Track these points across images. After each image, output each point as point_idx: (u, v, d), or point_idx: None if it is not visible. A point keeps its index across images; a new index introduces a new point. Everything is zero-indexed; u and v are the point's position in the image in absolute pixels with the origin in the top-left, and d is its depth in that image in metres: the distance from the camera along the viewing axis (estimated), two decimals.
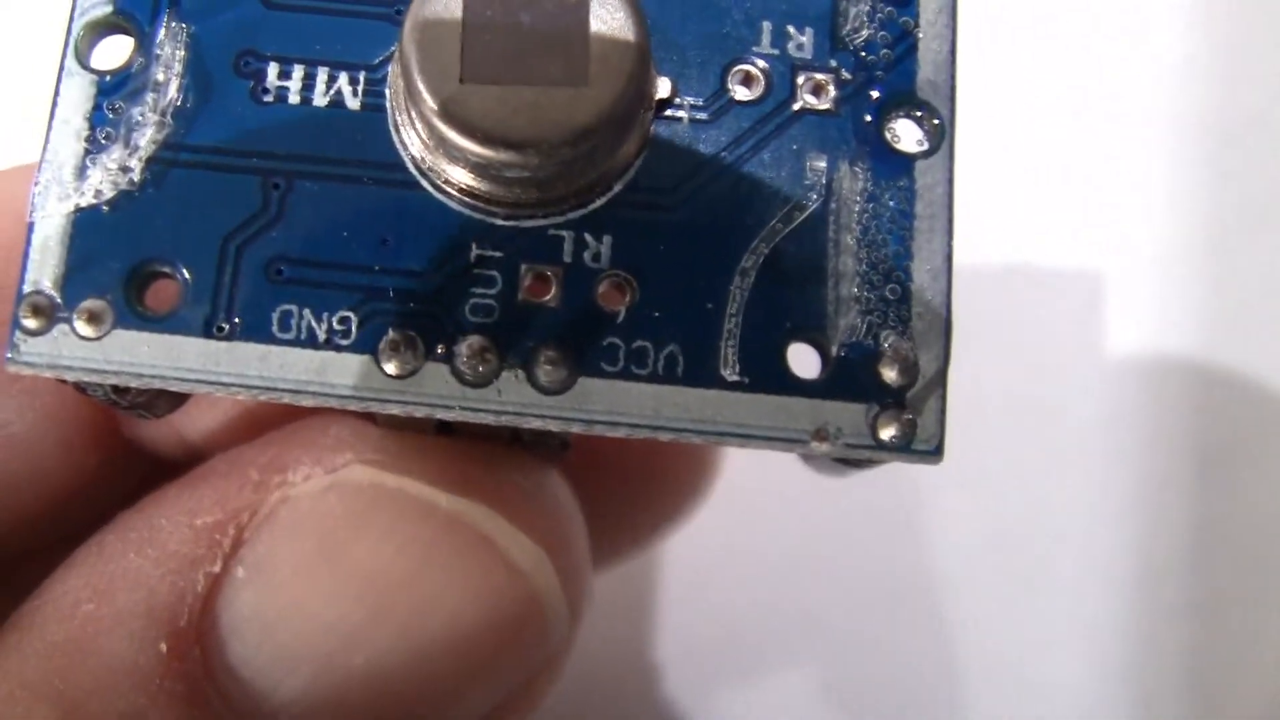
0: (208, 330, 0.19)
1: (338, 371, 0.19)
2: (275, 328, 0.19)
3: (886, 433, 0.19)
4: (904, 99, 0.20)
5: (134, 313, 0.19)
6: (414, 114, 0.19)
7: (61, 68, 0.20)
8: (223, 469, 0.22)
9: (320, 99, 0.20)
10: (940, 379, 0.19)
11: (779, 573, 0.40)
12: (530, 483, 0.24)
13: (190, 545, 0.21)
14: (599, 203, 0.19)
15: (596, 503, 0.26)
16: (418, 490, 0.22)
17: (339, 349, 0.19)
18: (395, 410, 0.19)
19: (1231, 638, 0.39)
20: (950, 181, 0.20)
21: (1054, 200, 0.42)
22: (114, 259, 0.19)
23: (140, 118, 0.19)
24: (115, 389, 0.20)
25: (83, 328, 0.19)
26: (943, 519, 0.40)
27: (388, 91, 0.20)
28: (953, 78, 0.20)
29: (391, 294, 0.19)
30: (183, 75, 0.20)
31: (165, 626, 0.20)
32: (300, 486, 0.22)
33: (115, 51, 0.20)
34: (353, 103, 0.20)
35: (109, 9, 0.20)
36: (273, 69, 0.20)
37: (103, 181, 0.19)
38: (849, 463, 0.21)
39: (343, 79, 0.20)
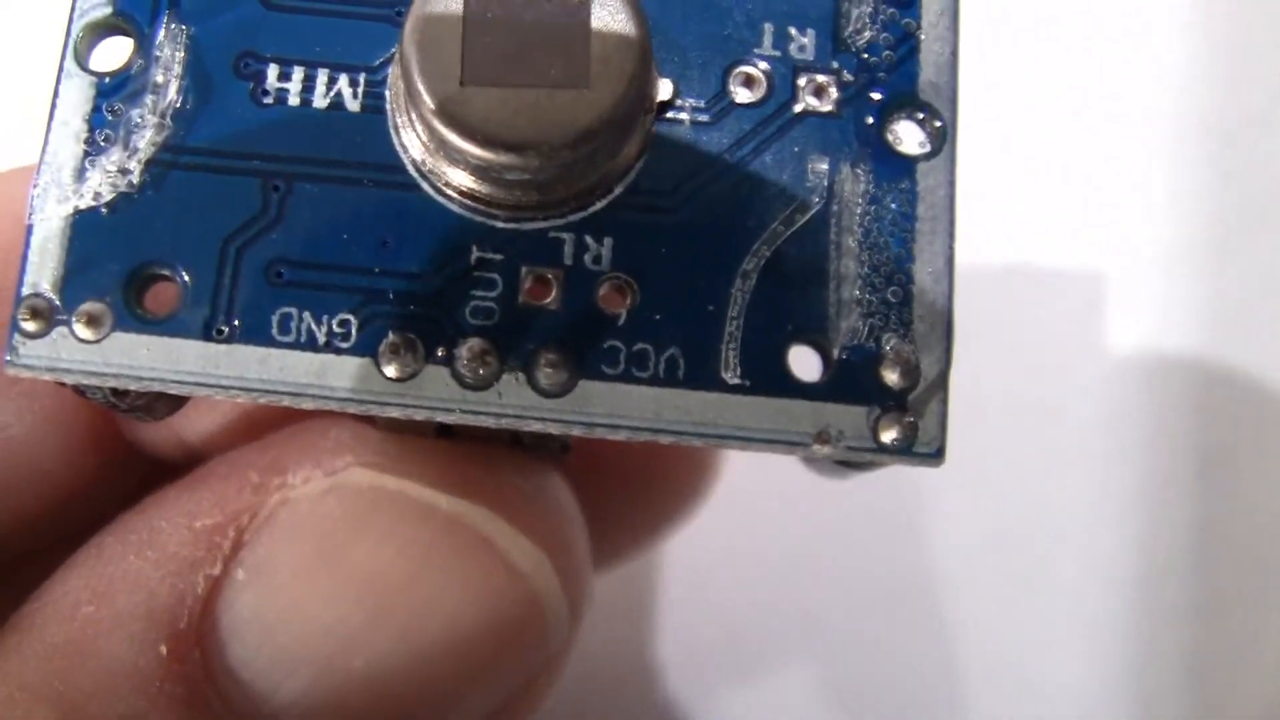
0: (207, 333, 0.19)
1: (337, 374, 0.19)
2: (275, 330, 0.19)
3: (888, 435, 0.19)
4: (906, 101, 0.20)
5: (133, 315, 0.19)
6: (414, 116, 0.19)
7: (60, 69, 0.20)
8: (222, 471, 0.22)
9: (320, 101, 0.20)
10: (942, 382, 0.19)
11: (779, 573, 0.40)
12: (530, 485, 0.24)
13: (190, 547, 0.21)
14: (600, 205, 0.19)
15: (597, 504, 0.26)
16: (418, 493, 0.22)
17: (339, 351, 0.19)
18: (395, 413, 0.19)
19: (1232, 638, 0.39)
20: (952, 184, 0.20)
21: (1055, 200, 0.42)
22: (113, 261, 0.19)
23: (140, 119, 0.19)
24: (114, 391, 0.20)
25: (82, 330, 0.19)
26: (943, 519, 0.40)
27: (388, 93, 0.20)
28: (954, 80, 0.20)
29: (391, 296, 0.19)
30: (182, 77, 0.20)
31: (165, 628, 0.20)
32: (300, 489, 0.22)
33: (115, 53, 0.20)
34: (353, 104, 0.20)
35: (108, 10, 0.20)
36: (272, 70, 0.20)
37: (102, 184, 0.19)
38: (850, 465, 0.21)
39: (343, 81, 0.20)
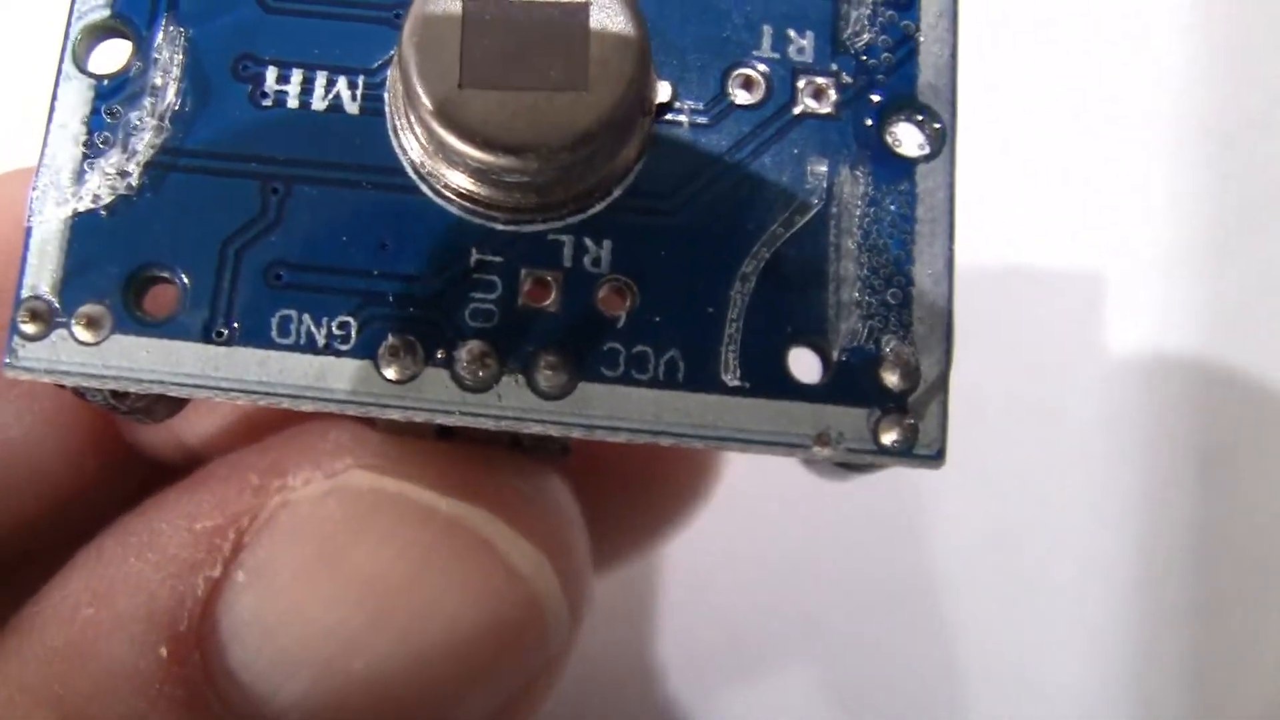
0: (206, 335, 0.19)
1: (337, 376, 0.19)
2: (274, 333, 0.19)
3: (888, 437, 0.19)
4: (905, 103, 0.20)
5: (133, 318, 0.19)
6: (413, 118, 0.19)
7: (59, 71, 0.20)
8: (222, 473, 0.22)
9: (319, 103, 0.20)
10: (942, 383, 0.19)
11: (779, 575, 0.40)
12: (530, 487, 0.24)
13: (190, 549, 0.21)
14: (599, 207, 0.19)
15: (597, 506, 0.26)
16: (417, 495, 0.22)
17: (338, 354, 0.19)
18: (395, 415, 0.19)
19: (1232, 638, 0.39)
20: (951, 185, 0.20)
21: (1055, 202, 0.42)
22: (112, 264, 0.19)
23: (138, 122, 0.19)
24: (114, 394, 0.20)
25: (81, 333, 0.19)
26: (943, 520, 0.40)
27: (387, 95, 0.19)
28: (954, 81, 0.20)
29: (391, 299, 0.19)
30: (181, 79, 0.20)
31: (165, 631, 0.20)
32: (300, 491, 0.22)
33: (113, 55, 0.20)
34: (351, 107, 0.20)
35: (106, 13, 0.20)
36: (271, 73, 0.20)
37: (101, 186, 0.19)
38: (850, 467, 0.21)
39: (341, 83, 0.20)
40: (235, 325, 0.19)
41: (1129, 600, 0.39)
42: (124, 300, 0.19)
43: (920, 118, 0.20)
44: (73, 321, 0.19)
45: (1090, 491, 0.40)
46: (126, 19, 0.20)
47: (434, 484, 0.22)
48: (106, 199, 0.19)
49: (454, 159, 0.18)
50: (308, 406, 0.19)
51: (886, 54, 0.20)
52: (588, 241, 0.19)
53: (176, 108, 0.19)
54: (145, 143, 0.19)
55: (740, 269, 0.19)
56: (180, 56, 0.20)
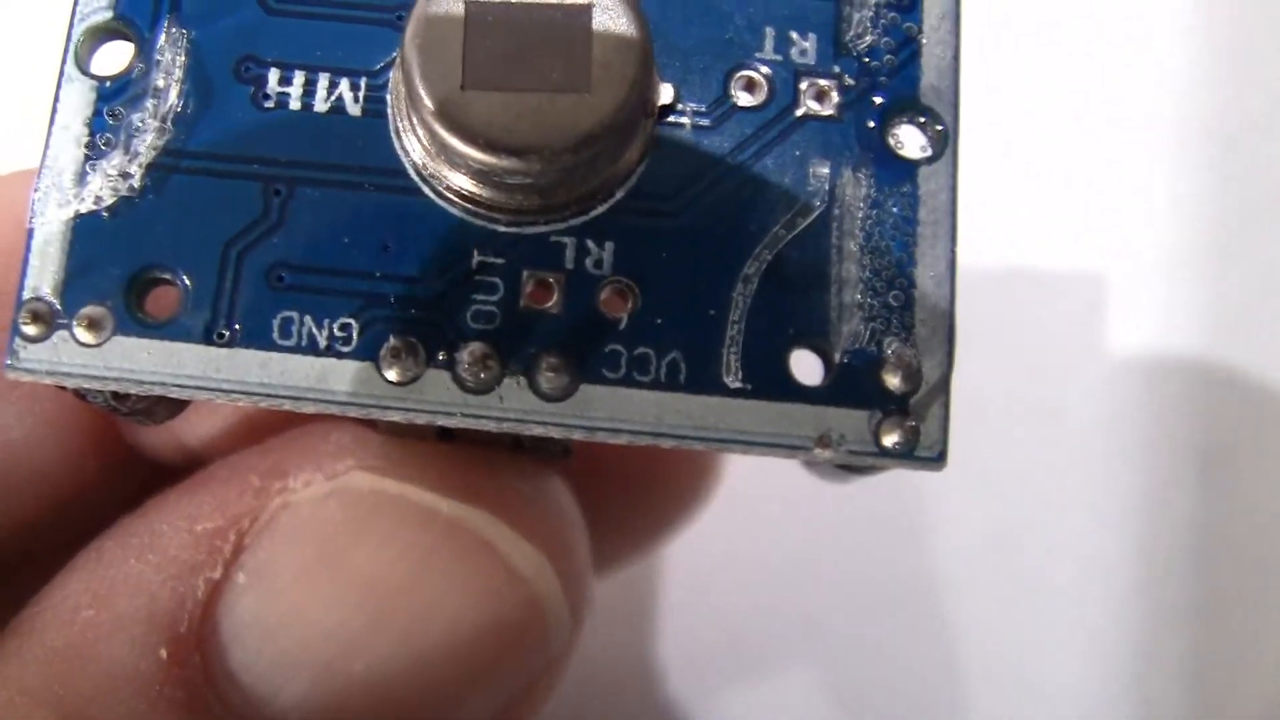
0: (208, 337, 0.19)
1: (339, 378, 0.19)
2: (276, 334, 0.19)
3: (890, 439, 0.19)
4: (907, 105, 0.20)
5: (134, 319, 0.19)
6: (415, 120, 0.19)
7: (61, 73, 0.20)
8: (223, 475, 0.22)
9: (321, 105, 0.20)
10: (944, 386, 0.19)
11: (780, 577, 0.40)
12: (531, 488, 0.24)
13: (191, 551, 0.21)
14: (601, 209, 0.19)
15: (598, 508, 0.26)
16: (419, 496, 0.22)
17: (340, 355, 0.19)
18: (396, 417, 0.19)
19: (1232, 638, 0.39)
20: (954, 188, 0.20)
21: (1057, 203, 0.42)
22: (114, 265, 0.19)
23: (140, 124, 0.19)
24: (115, 395, 0.20)
25: (82, 334, 0.19)
26: (944, 521, 0.40)
27: (389, 97, 0.19)
28: (956, 83, 0.20)
29: (393, 300, 0.19)
30: (183, 81, 0.20)
31: (166, 632, 0.20)
32: (301, 493, 0.22)
33: (115, 57, 0.20)
34: (354, 108, 0.20)
35: (109, 14, 0.20)
36: (273, 74, 0.20)
37: (103, 188, 0.19)
38: (852, 469, 0.21)
39: (344, 85, 0.20)
40: (237, 327, 0.19)
41: (1129, 600, 0.39)
42: (125, 302, 0.19)
43: (923, 120, 0.20)
44: (74, 323, 0.19)
45: (1091, 492, 0.40)
46: (129, 21, 0.20)
47: (435, 485, 0.22)
48: (108, 200, 0.19)
49: (456, 160, 0.18)
50: (309, 408, 0.19)
51: (889, 56, 0.20)
52: (590, 243, 0.19)
53: (179, 109, 0.19)
54: (147, 144, 0.19)
55: (742, 271, 0.19)
56: (182, 58, 0.20)
